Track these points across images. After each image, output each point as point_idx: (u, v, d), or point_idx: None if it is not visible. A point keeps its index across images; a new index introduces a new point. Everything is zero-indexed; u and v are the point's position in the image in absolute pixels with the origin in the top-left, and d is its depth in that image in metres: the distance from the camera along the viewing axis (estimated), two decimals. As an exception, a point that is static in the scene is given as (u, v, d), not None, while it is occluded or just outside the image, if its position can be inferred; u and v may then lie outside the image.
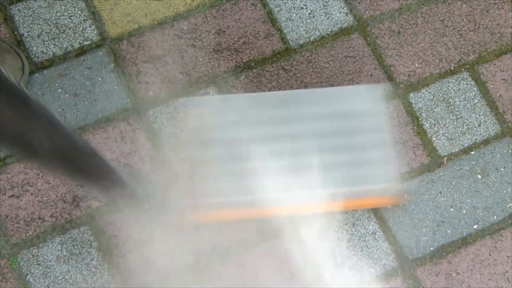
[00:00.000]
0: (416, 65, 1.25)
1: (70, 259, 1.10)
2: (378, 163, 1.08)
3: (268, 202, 1.05)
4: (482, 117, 1.22)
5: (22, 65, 1.16)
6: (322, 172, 1.07)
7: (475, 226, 1.16)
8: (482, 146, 1.21)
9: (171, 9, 1.25)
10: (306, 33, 1.25)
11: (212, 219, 1.09)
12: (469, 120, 1.22)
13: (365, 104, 1.11)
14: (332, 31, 1.26)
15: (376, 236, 1.15)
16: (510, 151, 1.21)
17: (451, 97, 1.23)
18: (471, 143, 1.21)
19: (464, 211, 1.17)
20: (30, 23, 1.22)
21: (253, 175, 1.06)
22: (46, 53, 1.21)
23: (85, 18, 1.24)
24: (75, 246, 1.11)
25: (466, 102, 1.23)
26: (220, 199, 1.05)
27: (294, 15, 1.26)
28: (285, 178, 1.06)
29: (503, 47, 1.26)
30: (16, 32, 1.22)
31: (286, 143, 1.08)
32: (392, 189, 1.08)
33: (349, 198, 1.09)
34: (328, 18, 1.26)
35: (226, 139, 1.08)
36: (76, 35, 1.23)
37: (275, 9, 1.26)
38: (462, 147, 1.20)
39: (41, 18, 1.23)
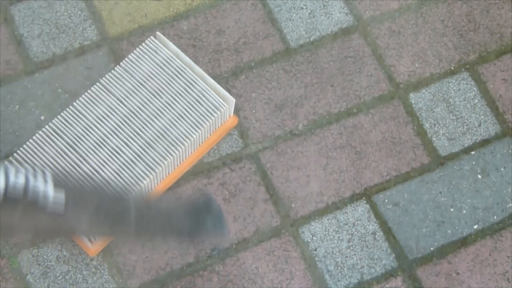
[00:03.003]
0: (416, 65, 1.25)
1: (70, 259, 1.10)
2: (200, 100, 1.12)
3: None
4: (482, 117, 1.22)
5: None
6: (164, 138, 1.10)
7: (475, 226, 1.16)
8: (482, 146, 1.21)
9: (171, 9, 1.25)
10: (306, 33, 1.25)
11: None
12: (469, 120, 1.22)
13: (153, 60, 1.14)
14: (332, 31, 1.26)
15: (376, 236, 1.15)
16: (510, 151, 1.21)
17: (451, 97, 1.23)
18: (471, 143, 1.21)
19: (464, 211, 1.17)
20: (30, 23, 1.22)
21: (111, 180, 1.09)
22: (46, 53, 1.21)
23: (85, 18, 1.24)
24: (75, 246, 1.11)
25: (466, 102, 1.23)
26: None
27: (294, 15, 1.26)
28: (139, 163, 1.09)
29: (503, 47, 1.26)
30: (16, 32, 1.22)
31: (118, 136, 1.11)
32: (224, 112, 1.13)
33: (202, 143, 1.14)
34: (328, 18, 1.26)
35: None
36: (76, 35, 1.23)
37: (275, 9, 1.26)
38: (462, 147, 1.20)
39: (41, 18, 1.23)
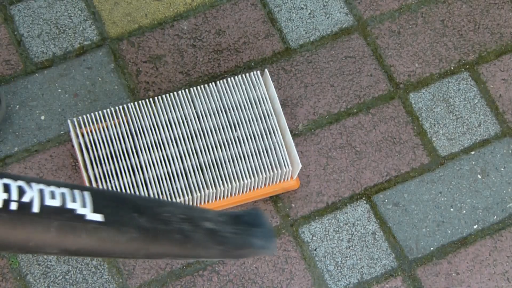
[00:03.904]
0: (416, 65, 1.25)
1: (70, 259, 1.10)
2: (268, 150, 1.10)
3: None
4: (482, 117, 1.22)
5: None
6: (217, 168, 1.09)
7: (475, 226, 1.16)
8: (482, 146, 1.21)
9: (171, 9, 1.26)
10: (306, 33, 1.25)
11: None
12: (469, 120, 1.22)
13: (247, 93, 1.13)
14: (332, 31, 1.26)
15: (376, 236, 1.15)
16: (510, 151, 1.21)
17: (451, 97, 1.23)
18: (471, 143, 1.21)
19: (464, 211, 1.17)
20: (30, 23, 1.23)
21: (151, 183, 1.07)
22: (46, 53, 1.21)
23: (85, 18, 1.24)
24: (75, 246, 1.11)
25: (466, 102, 1.23)
26: None
27: (294, 15, 1.26)
28: (181, 180, 1.08)
29: (503, 47, 1.27)
30: (16, 32, 1.22)
31: (178, 145, 1.10)
32: (286, 172, 1.11)
33: (251, 190, 1.12)
34: (328, 18, 1.26)
35: (120, 152, 1.09)
36: (76, 35, 1.23)
37: (275, 9, 1.26)
38: (462, 147, 1.20)
39: (41, 18, 1.23)
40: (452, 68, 1.25)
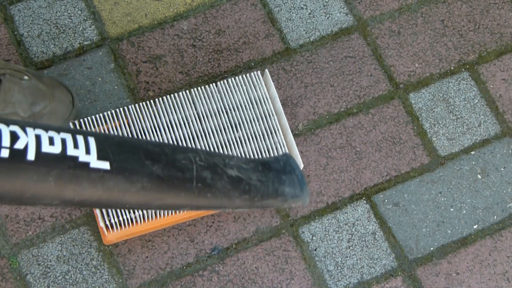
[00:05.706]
0: (416, 65, 1.25)
1: (70, 259, 1.10)
2: (270, 150, 1.10)
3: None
4: (482, 117, 1.22)
5: (72, 99, 1.13)
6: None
7: (475, 226, 1.16)
8: (482, 146, 1.21)
9: (171, 9, 1.26)
10: (306, 33, 1.25)
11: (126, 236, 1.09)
12: (469, 120, 1.22)
13: (248, 93, 1.12)
14: (332, 31, 1.26)
15: (376, 236, 1.15)
16: (510, 151, 1.21)
17: (451, 97, 1.23)
18: (471, 143, 1.21)
19: (464, 211, 1.17)
20: (30, 23, 1.23)
21: None
22: (46, 53, 1.21)
23: (85, 18, 1.24)
24: (75, 246, 1.11)
25: (466, 102, 1.23)
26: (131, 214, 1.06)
27: (294, 15, 1.26)
28: None
29: (503, 47, 1.27)
30: (16, 32, 1.22)
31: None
32: None
33: None
34: (328, 18, 1.26)
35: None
36: (76, 35, 1.23)
37: (275, 9, 1.26)
38: (462, 147, 1.20)
39: (41, 18, 1.23)
40: (452, 68, 1.25)
